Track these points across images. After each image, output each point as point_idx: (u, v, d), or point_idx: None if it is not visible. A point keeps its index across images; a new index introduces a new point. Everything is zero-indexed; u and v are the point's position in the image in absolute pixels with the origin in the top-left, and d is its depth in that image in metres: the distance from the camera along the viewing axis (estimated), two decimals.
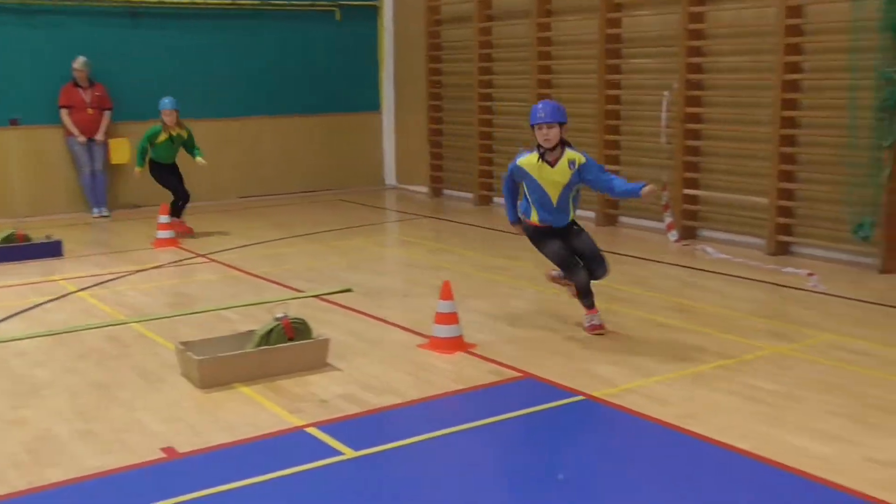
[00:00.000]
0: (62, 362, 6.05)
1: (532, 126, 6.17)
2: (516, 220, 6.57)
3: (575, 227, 6.45)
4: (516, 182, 6.47)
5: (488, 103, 12.57)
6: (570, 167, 6.17)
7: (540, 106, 6.21)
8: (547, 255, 6.46)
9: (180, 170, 10.51)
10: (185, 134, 10.31)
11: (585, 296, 6.44)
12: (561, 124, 6.11)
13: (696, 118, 9.81)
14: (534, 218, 6.39)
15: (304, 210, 12.42)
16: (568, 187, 6.23)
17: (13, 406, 5.25)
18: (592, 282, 6.47)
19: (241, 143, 13.18)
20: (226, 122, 13.05)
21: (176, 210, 10.41)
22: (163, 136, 10.15)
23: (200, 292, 7.93)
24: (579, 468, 4.36)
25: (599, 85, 10.64)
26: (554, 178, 6.19)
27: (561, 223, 6.38)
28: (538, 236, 6.45)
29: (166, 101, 10.17)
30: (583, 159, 6.18)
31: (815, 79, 8.79)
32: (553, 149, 6.13)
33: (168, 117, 10.13)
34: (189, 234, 10.42)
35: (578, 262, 6.38)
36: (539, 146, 6.19)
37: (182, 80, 12.31)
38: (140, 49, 12.35)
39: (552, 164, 6.17)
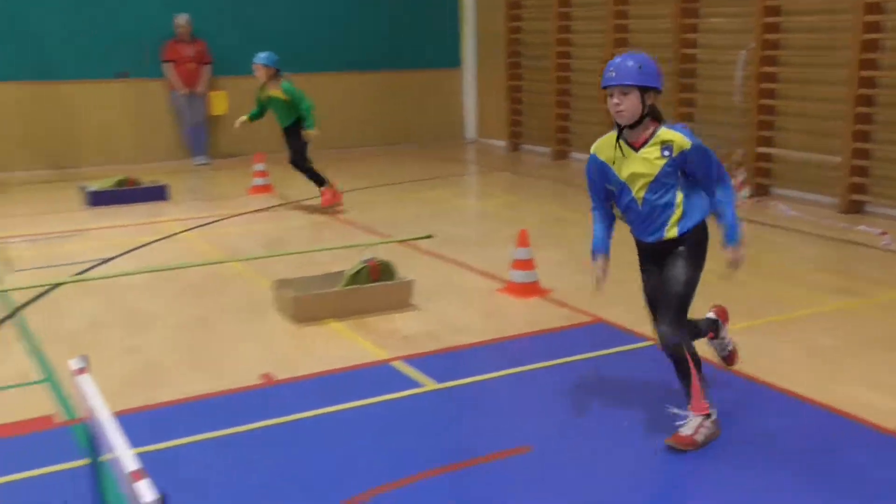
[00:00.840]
0: (169, 296, 6.33)
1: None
2: (599, 250, 4.31)
3: (680, 247, 4.07)
4: (596, 185, 4.23)
5: (566, 60, 12.50)
6: (663, 153, 3.94)
7: (617, 61, 3.94)
8: None
9: (299, 138, 8.99)
10: (280, 96, 8.88)
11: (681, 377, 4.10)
12: (644, 89, 3.88)
13: (771, 77, 9.62)
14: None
15: (388, 162, 12.57)
16: (658, 183, 3.98)
17: (128, 334, 5.55)
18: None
19: (328, 97, 13.31)
20: (316, 77, 13.22)
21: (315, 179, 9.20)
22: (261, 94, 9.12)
23: (292, 236, 8.17)
24: (645, 409, 4.44)
25: (675, 43, 10.49)
26: (637, 168, 3.99)
27: (651, 237, 4.12)
28: (639, 257, 4.31)
29: (258, 56, 9.07)
30: (686, 143, 3.92)
31: (895, 38, 8.53)
32: (635, 126, 3.96)
33: (256, 72, 9.07)
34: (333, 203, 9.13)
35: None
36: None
37: (275, 36, 12.48)
38: (238, 6, 12.56)
39: (636, 148, 4.00)
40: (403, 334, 5.45)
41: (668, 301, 4.06)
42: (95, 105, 11.94)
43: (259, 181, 10.21)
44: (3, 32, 11.28)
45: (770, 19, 9.45)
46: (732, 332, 4.82)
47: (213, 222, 8.68)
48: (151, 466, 2.47)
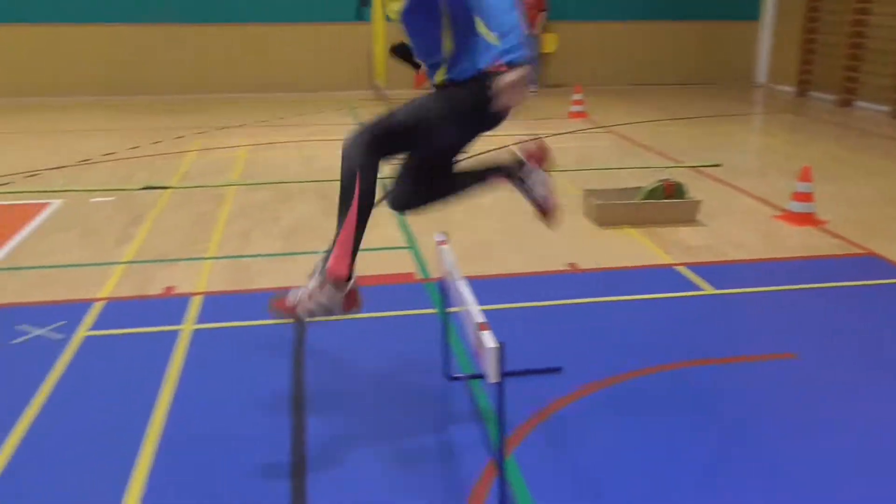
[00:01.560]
0: (499, 192, 6.37)
1: None
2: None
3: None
4: None
5: (862, 17, 10.82)
6: None
7: None
8: None
9: None
10: None
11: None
12: None
13: None
14: None
15: (682, 98, 11.75)
16: (410, 13, 2.59)
17: (468, 218, 5.69)
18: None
19: (631, 42, 12.71)
20: (631, 24, 12.64)
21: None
22: None
23: (599, 154, 7.92)
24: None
25: None
26: None
27: (430, 78, 2.77)
28: None
29: None
30: None
31: None
32: None
33: None
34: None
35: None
36: None
37: None
38: None
39: None
40: (687, 245, 5.12)
41: (381, 119, 2.60)
42: None
43: (576, 108, 9.98)
44: None
45: None
46: None
47: (537, 138, 8.61)
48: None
